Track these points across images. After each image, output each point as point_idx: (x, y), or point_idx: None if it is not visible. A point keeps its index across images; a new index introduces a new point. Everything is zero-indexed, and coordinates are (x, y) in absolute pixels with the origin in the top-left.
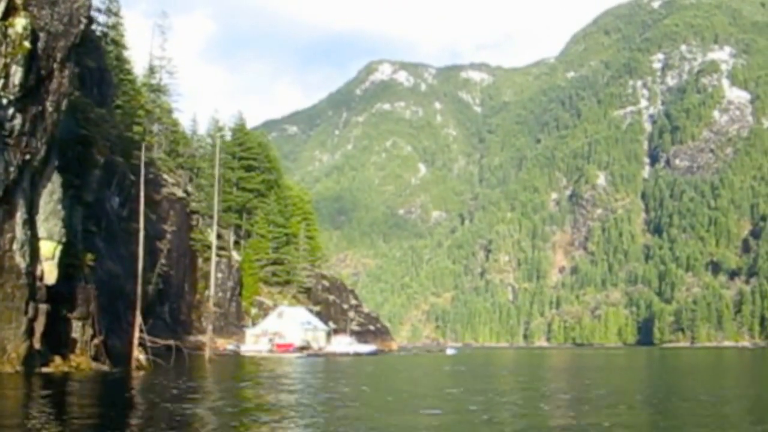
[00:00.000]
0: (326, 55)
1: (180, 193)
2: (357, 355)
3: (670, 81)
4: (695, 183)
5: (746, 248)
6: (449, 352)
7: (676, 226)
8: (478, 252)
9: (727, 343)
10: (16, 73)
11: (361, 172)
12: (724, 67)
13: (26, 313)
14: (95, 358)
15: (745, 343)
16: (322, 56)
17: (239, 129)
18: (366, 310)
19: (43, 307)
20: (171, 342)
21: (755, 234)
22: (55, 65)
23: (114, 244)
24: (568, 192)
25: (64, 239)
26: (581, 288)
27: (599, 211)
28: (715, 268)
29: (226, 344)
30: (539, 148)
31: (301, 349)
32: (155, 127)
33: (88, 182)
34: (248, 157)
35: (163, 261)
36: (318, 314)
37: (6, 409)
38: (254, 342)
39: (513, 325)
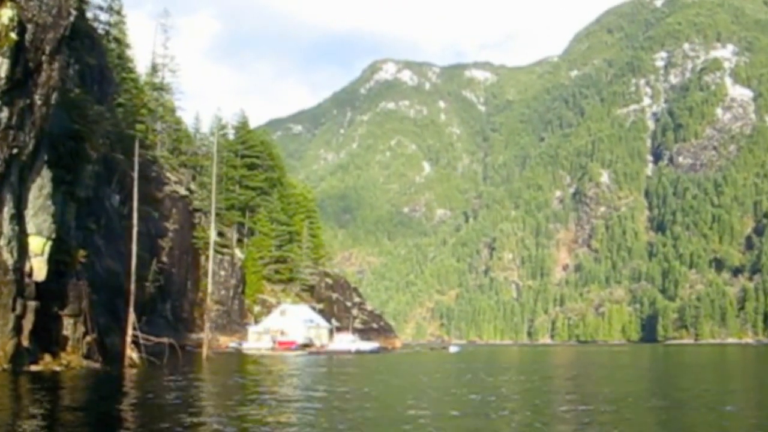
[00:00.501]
0: (331, 54)
1: (182, 191)
2: (359, 352)
3: (673, 79)
4: (698, 180)
5: (749, 245)
6: (452, 349)
7: (680, 224)
8: (483, 250)
9: (730, 340)
10: (3, 66)
11: (365, 170)
12: (726, 65)
13: (14, 309)
14: (88, 356)
15: (749, 340)
16: (327, 56)
17: (242, 127)
18: (369, 307)
19: (32, 304)
20: (165, 339)
21: (758, 231)
22: (44, 58)
23: (113, 241)
24: (571, 190)
25: (53, 235)
26: (585, 285)
27: (603, 208)
28: (719, 265)
29: (228, 342)
30: (543, 146)
31: (304, 346)
32: (158, 126)
33: (81, 178)
34: (251, 155)
35: (165, 259)
36: (321, 312)
37: None
38: (257, 340)
39: (517, 322)
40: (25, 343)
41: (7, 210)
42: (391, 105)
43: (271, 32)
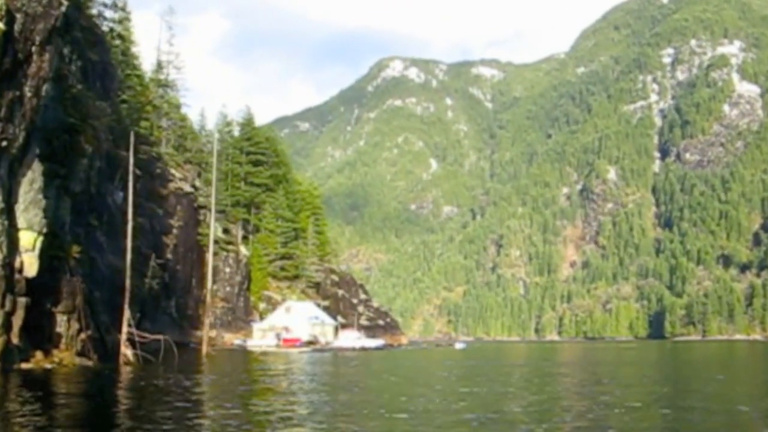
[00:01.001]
0: (338, 52)
1: (187, 188)
2: (364, 349)
3: (680, 75)
4: (706, 177)
5: (757, 241)
6: (458, 346)
7: (687, 220)
8: (490, 247)
9: (738, 337)
10: None
11: (372, 167)
12: (734, 61)
13: (3, 306)
14: (82, 354)
15: (757, 336)
16: (334, 54)
17: (247, 124)
18: (375, 304)
19: (22, 300)
20: (160, 336)
21: (766, 227)
22: (34, 48)
23: (116, 238)
24: (578, 187)
25: (45, 230)
26: (592, 282)
27: (610, 205)
28: (726, 261)
29: (233, 339)
30: (550, 143)
31: (308, 343)
32: (163, 122)
33: (76, 172)
34: (256, 151)
35: (169, 256)
36: (327, 309)
37: None
38: (261, 337)
39: (524, 319)
40: (15, 340)
41: None
42: (398, 102)
43: (279, 31)
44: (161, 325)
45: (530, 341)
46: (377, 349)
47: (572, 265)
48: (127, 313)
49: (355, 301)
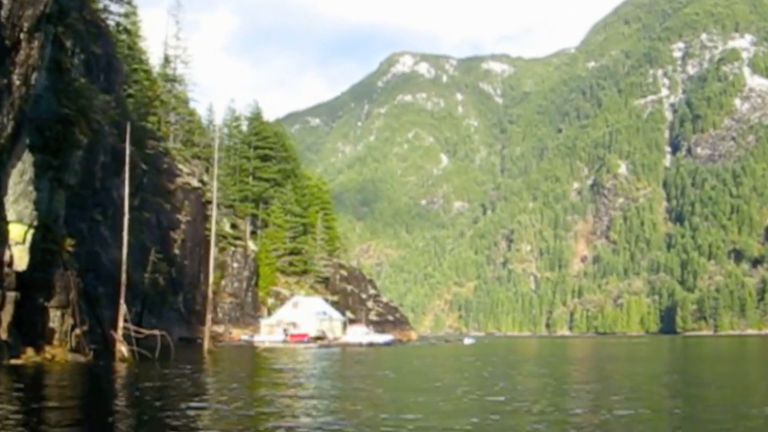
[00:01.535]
0: (348, 48)
1: (195, 183)
2: (371, 345)
3: (691, 70)
4: (717, 171)
5: None
6: (467, 341)
7: (698, 215)
8: (500, 242)
9: (750, 331)
10: None
11: (383, 163)
12: (745, 55)
13: None
14: (76, 350)
15: None
16: (345, 49)
17: (255, 118)
18: (385, 299)
19: (12, 294)
20: (156, 332)
21: None
22: (22, 35)
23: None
24: (589, 181)
25: (35, 222)
26: (603, 277)
27: (621, 200)
28: (738, 256)
29: (241, 334)
30: (560, 137)
31: (316, 339)
32: (172, 117)
33: (70, 164)
34: (264, 146)
35: (177, 251)
36: (336, 304)
37: None
38: (269, 332)
39: (535, 314)
40: (5, 336)
41: None
42: (408, 97)
43: (289, 27)
44: (168, 321)
45: (541, 336)
46: (386, 344)
47: (583, 260)
48: (123, 309)
49: (364, 296)
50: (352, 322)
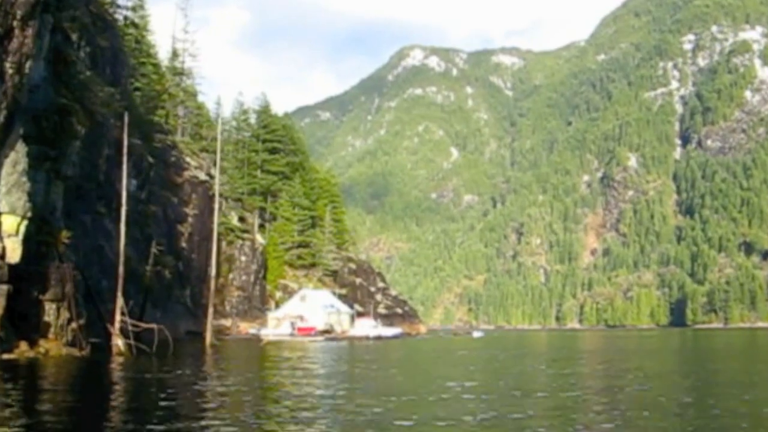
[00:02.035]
0: (358, 42)
1: (203, 177)
2: (378, 338)
3: (701, 62)
4: (727, 164)
5: None
6: (475, 335)
7: (708, 207)
8: (510, 235)
9: (760, 324)
10: None
11: (393, 156)
12: (755, 46)
13: None
14: (72, 344)
15: None
16: (355, 43)
17: (264, 111)
18: (394, 293)
19: (4, 287)
20: (153, 326)
21: None
22: (16, 23)
23: (127, 226)
24: (599, 174)
25: (29, 214)
26: (613, 270)
27: (631, 192)
28: (748, 248)
29: (249, 328)
30: (570, 130)
31: (323, 332)
32: (180, 111)
33: (68, 155)
34: (272, 139)
35: (184, 244)
36: (344, 297)
37: None
38: (276, 325)
39: (545, 307)
40: None
41: None
42: (418, 91)
43: (299, 21)
44: (174, 314)
45: (551, 329)
46: (394, 337)
47: (593, 252)
48: (120, 302)
49: (372, 289)
50: (360, 315)
